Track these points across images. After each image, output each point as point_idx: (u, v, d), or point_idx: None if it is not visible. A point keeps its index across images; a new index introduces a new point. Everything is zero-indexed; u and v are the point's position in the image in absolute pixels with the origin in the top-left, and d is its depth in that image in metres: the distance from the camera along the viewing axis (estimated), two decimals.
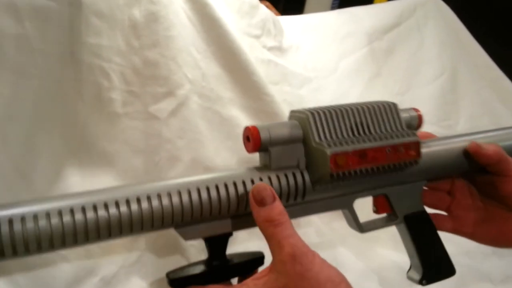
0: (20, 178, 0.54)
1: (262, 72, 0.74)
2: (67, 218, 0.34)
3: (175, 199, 0.37)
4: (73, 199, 0.35)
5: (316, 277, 0.34)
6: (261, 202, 0.37)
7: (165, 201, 0.37)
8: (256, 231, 0.38)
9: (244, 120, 0.71)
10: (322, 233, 0.72)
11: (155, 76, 0.62)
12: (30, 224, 0.33)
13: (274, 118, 0.73)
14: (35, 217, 0.33)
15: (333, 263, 0.59)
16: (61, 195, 0.36)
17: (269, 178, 0.41)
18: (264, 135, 0.40)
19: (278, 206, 0.37)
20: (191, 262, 0.43)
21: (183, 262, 0.58)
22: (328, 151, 0.40)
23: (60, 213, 0.34)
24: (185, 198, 0.38)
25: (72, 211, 0.34)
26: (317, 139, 0.41)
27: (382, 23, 1.00)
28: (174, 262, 0.58)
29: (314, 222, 0.72)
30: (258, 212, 0.37)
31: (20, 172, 0.54)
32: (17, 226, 0.33)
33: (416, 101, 0.96)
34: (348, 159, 0.41)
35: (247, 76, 0.72)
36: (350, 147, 0.41)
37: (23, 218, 0.33)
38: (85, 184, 0.58)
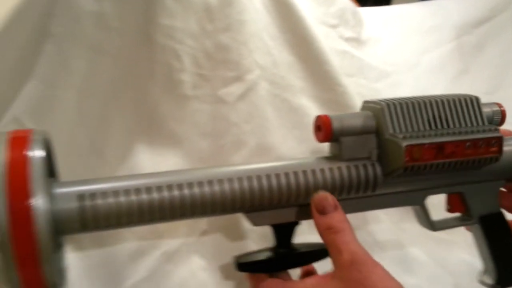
0: (95, 154, 0.56)
1: (337, 62, 0.72)
2: (144, 196, 0.35)
3: (246, 184, 0.38)
4: (148, 179, 0.36)
5: (375, 286, 0.33)
6: (322, 211, 0.38)
7: (236, 185, 0.37)
8: None
9: (313, 110, 0.69)
10: (391, 232, 0.68)
11: (226, 60, 0.62)
12: (111, 199, 0.34)
13: (345, 110, 0.70)
14: (116, 193, 0.35)
15: (403, 264, 0.56)
16: (137, 174, 0.38)
17: (339, 169, 0.40)
18: (336, 124, 0.40)
19: (339, 214, 0.38)
20: (255, 248, 0.44)
21: (243, 245, 0.58)
22: (403, 143, 0.38)
23: (138, 190, 0.35)
24: (255, 183, 0.38)
25: (149, 190, 0.35)
26: (391, 130, 0.39)
27: (472, 16, 0.93)
28: (234, 245, 0.58)
29: (383, 220, 0.69)
30: (319, 220, 0.38)
31: (94, 148, 0.56)
32: (100, 201, 0.34)
33: (506, 101, 0.88)
34: (424, 152, 0.39)
35: (319, 65, 0.70)
36: (426, 140, 0.39)
37: (104, 193, 0.34)
38: (153, 162, 0.59)
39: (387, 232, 0.67)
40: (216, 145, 0.61)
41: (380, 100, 0.41)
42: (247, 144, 0.62)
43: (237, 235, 0.60)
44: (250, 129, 0.63)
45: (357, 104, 0.68)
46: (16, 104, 0.50)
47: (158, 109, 0.60)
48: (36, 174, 0.31)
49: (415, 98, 0.41)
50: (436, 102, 0.41)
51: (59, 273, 0.35)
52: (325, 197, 0.38)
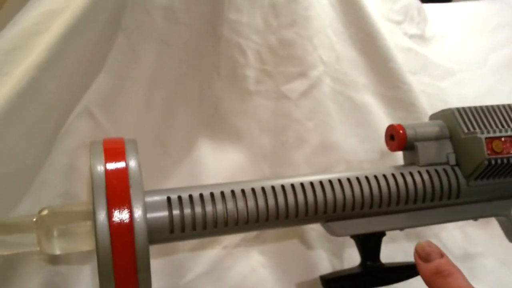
0: (160, 146, 0.56)
1: (401, 59, 0.69)
2: (230, 203, 0.36)
3: (328, 188, 0.37)
4: (230, 186, 0.37)
5: None
6: (427, 258, 0.36)
7: (319, 190, 0.37)
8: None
9: (377, 107, 0.67)
10: (455, 239, 0.65)
11: (290, 56, 0.61)
12: (198, 208, 0.35)
13: (410, 108, 0.68)
14: (202, 200, 0.35)
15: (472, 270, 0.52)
16: (218, 183, 0.38)
17: (419, 173, 0.39)
18: (410, 131, 0.40)
19: (445, 259, 0.36)
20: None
21: (301, 246, 0.57)
22: (482, 136, 0.38)
23: (223, 197, 0.36)
24: (337, 187, 0.37)
25: (233, 195, 0.36)
26: (465, 130, 0.40)
27: None
28: (292, 244, 0.57)
29: (446, 226, 0.66)
30: (425, 267, 0.36)
31: (159, 140, 0.56)
32: (189, 209, 0.35)
33: None
34: (505, 144, 0.39)
35: (384, 62, 0.68)
36: (505, 133, 0.39)
37: (192, 201, 0.35)
38: (215, 157, 0.59)
39: (452, 239, 0.64)
40: (277, 141, 0.61)
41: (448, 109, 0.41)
42: (309, 141, 0.61)
43: (295, 233, 0.59)
44: (312, 126, 0.62)
45: (422, 103, 0.68)
46: (87, 96, 0.51)
47: (221, 104, 0.59)
48: (135, 184, 0.32)
49: (484, 105, 0.42)
50: (507, 107, 0.42)
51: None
52: (428, 243, 0.37)
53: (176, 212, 0.34)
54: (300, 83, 0.62)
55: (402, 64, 0.69)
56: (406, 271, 0.40)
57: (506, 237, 0.44)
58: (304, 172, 0.60)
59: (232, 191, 0.35)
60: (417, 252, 0.37)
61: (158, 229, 0.34)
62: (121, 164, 0.33)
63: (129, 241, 0.30)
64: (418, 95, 0.68)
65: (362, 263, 0.40)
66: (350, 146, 0.63)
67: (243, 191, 0.36)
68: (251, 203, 0.35)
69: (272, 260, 0.56)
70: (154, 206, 0.34)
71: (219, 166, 0.58)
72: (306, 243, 0.57)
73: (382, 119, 0.66)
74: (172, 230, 0.34)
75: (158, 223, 0.34)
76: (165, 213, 0.34)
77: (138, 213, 0.31)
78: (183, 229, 0.34)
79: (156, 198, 0.34)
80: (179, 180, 0.56)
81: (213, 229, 0.35)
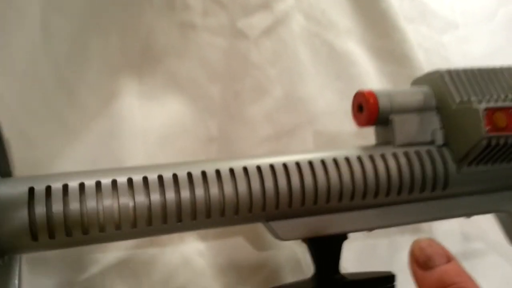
0: (64, 90, 0.43)
1: (395, 2, 0.56)
2: (124, 198, 0.27)
3: (269, 177, 0.29)
4: (132, 173, 0.28)
5: None
6: (427, 264, 0.27)
7: (255, 179, 0.29)
8: None
9: (363, 58, 0.53)
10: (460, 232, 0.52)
11: None
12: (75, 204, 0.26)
13: (403, 62, 0.55)
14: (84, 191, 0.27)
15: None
16: (116, 168, 0.29)
17: (395, 156, 0.32)
18: (383, 101, 0.32)
19: (454, 265, 0.27)
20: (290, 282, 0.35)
21: (252, 234, 0.44)
22: (480, 106, 0.30)
23: (115, 188, 0.27)
24: (281, 176, 0.29)
25: (131, 188, 0.27)
26: (458, 98, 0.32)
27: None
28: (242, 231, 0.43)
29: None
30: (423, 277, 0.27)
31: (64, 82, 0.42)
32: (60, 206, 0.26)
33: None
34: (510, 118, 0.30)
35: (374, 3, 0.54)
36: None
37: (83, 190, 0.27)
38: (144, 110, 0.45)
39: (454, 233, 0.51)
40: (229, 91, 0.47)
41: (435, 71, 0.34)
42: (271, 93, 0.48)
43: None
44: (275, 74, 0.48)
45: (419, 58, 0.55)
46: None
47: (154, 39, 0.45)
48: None
49: (483, 67, 0.34)
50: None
51: None
52: (430, 242, 0.28)
53: (40, 210, 0.26)
54: (262, 18, 0.48)
55: (397, 8, 0.56)
56: (378, 285, 0.32)
57: (507, 237, 0.37)
58: (263, 132, 0.47)
59: (130, 180, 0.27)
60: (414, 254, 0.28)
61: (11, 235, 0.26)
62: None
63: None
64: (413, 48, 0.56)
65: (316, 275, 0.32)
66: (326, 103, 0.50)
67: (130, 181, 0.27)
68: (141, 199, 0.27)
69: (213, 248, 0.42)
70: (7, 202, 0.26)
71: (150, 123, 0.45)
72: (258, 231, 0.43)
73: (370, 74, 0.53)
74: (35, 237, 0.26)
75: (10, 227, 0.25)
76: (22, 212, 0.25)
77: None
78: (52, 234, 0.26)
79: (10, 190, 0.26)
80: (95, 142, 0.43)
81: (100, 234, 0.27)
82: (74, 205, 0.26)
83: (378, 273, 0.33)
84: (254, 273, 0.43)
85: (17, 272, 0.31)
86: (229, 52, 0.47)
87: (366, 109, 0.32)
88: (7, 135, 0.28)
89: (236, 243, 0.43)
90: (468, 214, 0.35)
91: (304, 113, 0.48)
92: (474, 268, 0.48)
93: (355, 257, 0.46)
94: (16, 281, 0.30)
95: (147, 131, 0.44)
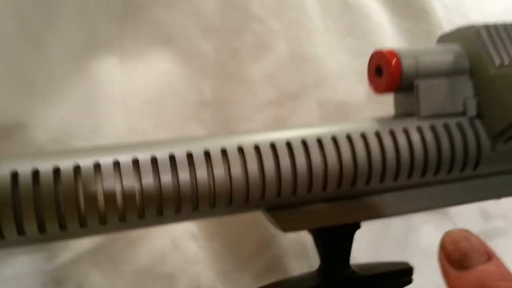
0: (30, 44, 0.37)
1: None
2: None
3: (268, 157, 0.24)
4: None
5: None
6: (461, 263, 0.22)
7: (253, 160, 0.24)
8: None
9: (378, 12, 0.47)
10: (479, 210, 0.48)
11: None
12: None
13: (421, 17, 0.49)
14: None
15: None
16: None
17: (419, 130, 0.27)
18: (408, 62, 0.27)
19: (496, 265, 0.22)
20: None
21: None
22: None
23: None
24: (284, 156, 0.25)
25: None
26: (497, 61, 0.27)
27: None
28: None
29: None
30: (457, 278, 0.22)
31: (30, 34, 0.36)
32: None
33: None
34: None
35: None
36: None
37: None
38: (126, 70, 0.39)
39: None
40: (226, 47, 0.41)
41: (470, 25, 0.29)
42: (273, 50, 0.41)
43: None
44: (280, 29, 0.42)
45: (438, 13, 0.49)
46: None
47: None
48: None
49: None
50: None
51: None
52: (465, 236, 0.23)
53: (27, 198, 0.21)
54: None
55: None
56: (388, 280, 0.28)
57: None
58: (263, 96, 0.41)
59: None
60: (445, 249, 0.23)
61: None
62: None
63: None
64: (432, 1, 0.49)
65: (323, 269, 0.28)
66: (336, 62, 0.44)
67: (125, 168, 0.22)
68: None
69: (207, 230, 0.37)
70: None
71: (133, 84, 0.39)
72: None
73: (385, 30, 0.47)
74: (21, 230, 0.21)
75: None
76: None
77: None
78: (42, 227, 0.22)
79: None
80: (67, 106, 0.37)
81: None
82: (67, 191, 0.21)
83: (394, 264, 0.30)
84: (253, 258, 0.38)
85: None
86: (226, 2, 0.41)
87: (387, 72, 0.27)
88: None
89: (233, 224, 0.37)
90: (499, 196, 0.30)
91: (311, 75, 0.42)
92: (495, 248, 0.45)
93: (366, 237, 0.41)
94: None
95: (129, 94, 0.38)
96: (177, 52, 0.40)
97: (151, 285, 0.35)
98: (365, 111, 0.43)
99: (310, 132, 0.25)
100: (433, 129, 0.27)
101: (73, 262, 0.33)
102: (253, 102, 0.40)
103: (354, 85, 0.43)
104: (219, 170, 0.23)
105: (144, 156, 0.23)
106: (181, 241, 0.36)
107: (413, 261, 0.41)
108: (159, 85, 0.39)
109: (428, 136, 0.27)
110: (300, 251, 0.39)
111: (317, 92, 0.42)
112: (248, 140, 0.24)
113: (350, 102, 0.43)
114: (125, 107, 0.38)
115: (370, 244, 0.40)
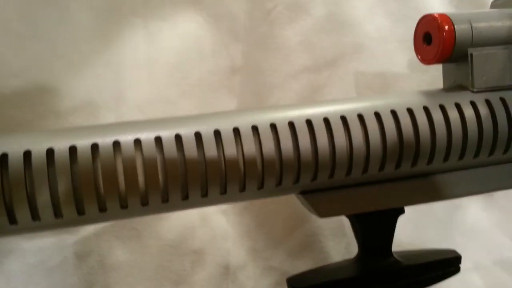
0: (51, 5, 0.35)
1: None
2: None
3: (303, 134, 0.22)
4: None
5: None
6: None
7: (286, 137, 0.22)
8: None
9: None
10: None
11: None
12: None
13: None
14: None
15: None
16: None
17: (474, 106, 0.24)
18: (462, 31, 0.24)
19: None
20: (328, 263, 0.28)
21: None
22: None
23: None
24: (321, 132, 0.22)
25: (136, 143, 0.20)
26: None
27: None
28: None
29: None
30: None
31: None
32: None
33: None
34: None
35: None
36: None
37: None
38: (151, 30, 0.37)
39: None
40: (258, 9, 0.38)
41: None
42: (310, 12, 0.38)
43: None
44: None
45: None
46: None
47: None
48: None
49: None
50: None
51: None
52: None
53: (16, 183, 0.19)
54: None
55: None
56: (434, 270, 0.26)
57: None
58: (298, 62, 0.38)
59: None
60: None
61: None
62: None
63: None
64: None
65: (361, 258, 0.26)
66: (376, 27, 0.40)
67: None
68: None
69: (238, 205, 0.34)
70: None
71: (158, 48, 0.37)
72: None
73: None
74: (12, 219, 0.19)
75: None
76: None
77: None
78: (35, 215, 0.20)
79: None
80: (89, 71, 0.36)
81: (98, 214, 0.20)
82: (62, 175, 0.19)
83: (440, 253, 0.28)
84: (286, 236, 0.36)
85: None
86: None
87: (438, 40, 0.24)
88: None
89: (265, 199, 0.35)
90: None
91: (349, 40, 0.39)
92: None
93: (408, 217, 0.39)
94: None
95: (153, 59, 0.36)
96: (205, 14, 0.37)
97: (179, 261, 0.33)
98: (407, 81, 0.40)
99: (350, 107, 0.23)
100: (488, 103, 0.25)
101: (96, 236, 0.31)
102: (287, 69, 0.38)
103: (395, 53, 0.40)
104: (249, 148, 0.21)
105: (166, 133, 0.21)
106: (210, 216, 0.34)
107: (457, 241, 0.39)
108: (186, 50, 0.37)
109: (483, 111, 0.24)
110: (336, 228, 0.36)
111: (355, 59, 0.39)
112: (281, 116, 0.22)
113: (390, 71, 0.40)
114: (149, 73, 0.36)
115: (413, 223, 0.38)
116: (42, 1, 0.34)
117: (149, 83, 0.36)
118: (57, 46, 0.35)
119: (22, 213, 0.19)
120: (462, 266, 0.39)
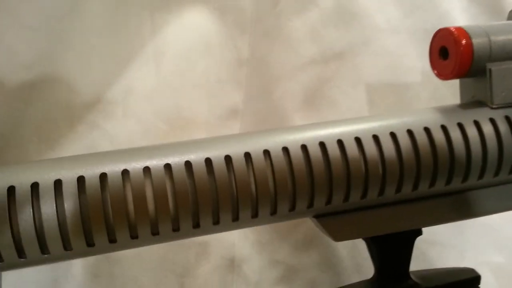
0: None
1: None
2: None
3: (317, 155, 0.22)
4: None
5: None
6: None
7: (299, 158, 0.21)
8: None
9: None
10: None
11: None
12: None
13: None
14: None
15: None
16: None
17: (493, 123, 0.23)
18: (480, 45, 0.23)
19: None
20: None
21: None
22: None
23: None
24: (334, 157, 0.22)
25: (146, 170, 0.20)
26: None
27: None
28: None
29: None
30: None
31: None
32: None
33: None
34: None
35: None
36: None
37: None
38: (157, 22, 0.37)
39: None
40: (266, 0, 0.37)
41: None
42: (317, 3, 0.38)
43: None
44: None
45: None
46: None
47: None
48: None
49: None
50: None
51: None
52: None
53: (26, 217, 0.19)
54: None
55: None
56: None
57: None
58: (306, 53, 0.38)
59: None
60: None
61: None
62: None
63: None
64: None
65: (379, 280, 0.25)
66: (385, 18, 0.39)
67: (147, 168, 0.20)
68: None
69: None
70: None
71: (165, 40, 0.37)
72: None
73: None
74: (21, 253, 0.19)
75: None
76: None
77: None
78: (44, 249, 0.19)
79: None
80: (96, 62, 0.36)
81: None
82: (71, 206, 0.19)
83: (459, 273, 0.27)
84: (291, 230, 0.35)
85: None
86: None
87: (455, 54, 0.23)
88: None
89: None
90: None
91: (356, 31, 0.38)
92: None
93: None
94: None
95: (160, 50, 0.36)
96: (211, 6, 0.37)
97: (184, 253, 0.33)
98: (417, 75, 0.39)
99: (364, 127, 0.22)
100: (508, 120, 0.24)
101: None
102: (294, 61, 0.37)
103: (406, 44, 0.39)
104: (260, 173, 0.21)
105: (176, 160, 0.21)
106: None
107: (468, 233, 0.38)
108: (193, 41, 0.37)
109: (503, 128, 0.24)
110: None
111: (364, 51, 0.39)
112: (294, 138, 0.22)
113: (400, 65, 0.40)
114: (156, 64, 0.36)
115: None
116: None
117: (157, 76, 0.37)
118: (68, 39, 0.35)
119: (31, 247, 0.19)
120: (474, 261, 0.38)
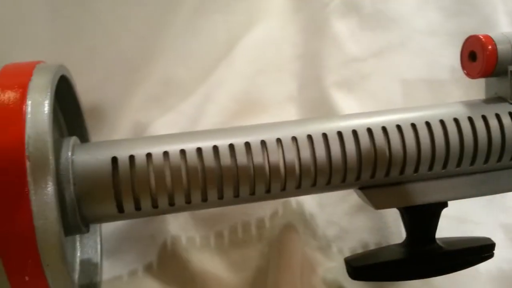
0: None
1: None
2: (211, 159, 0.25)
3: (367, 139, 0.26)
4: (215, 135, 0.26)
5: None
6: None
7: (351, 141, 0.26)
8: None
9: None
10: None
11: None
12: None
13: None
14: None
15: None
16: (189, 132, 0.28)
17: (511, 115, 0.28)
18: (503, 50, 0.28)
19: None
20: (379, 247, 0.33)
21: None
22: None
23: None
24: (381, 138, 0.26)
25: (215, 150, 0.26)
26: None
27: None
28: None
29: None
30: None
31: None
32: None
33: None
34: None
35: None
36: None
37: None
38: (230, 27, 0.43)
39: None
40: (318, 2, 0.44)
41: None
42: (358, 9, 0.44)
43: None
44: None
45: None
46: None
47: None
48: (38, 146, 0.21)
49: None
50: None
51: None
52: None
53: (125, 181, 0.24)
54: None
55: None
56: (471, 254, 0.30)
57: None
58: (348, 52, 0.43)
59: (215, 147, 0.25)
60: None
61: (97, 206, 0.24)
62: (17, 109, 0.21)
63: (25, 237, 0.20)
64: None
65: (409, 243, 0.30)
66: (426, 21, 0.44)
67: (215, 148, 0.25)
68: (211, 164, 0.25)
69: None
70: (91, 173, 0.24)
71: (237, 38, 0.43)
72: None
73: None
74: (120, 208, 0.25)
75: (96, 198, 0.24)
76: (107, 183, 0.24)
77: (47, 191, 0.21)
78: (138, 206, 0.25)
79: (93, 159, 0.24)
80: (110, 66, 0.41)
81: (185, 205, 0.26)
82: (157, 174, 0.24)
83: (477, 240, 0.31)
84: (346, 195, 0.39)
85: (99, 239, 0.32)
86: None
87: (482, 58, 0.28)
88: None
89: None
90: None
91: (395, 34, 0.43)
92: None
93: None
94: (99, 247, 0.32)
95: (233, 46, 0.43)
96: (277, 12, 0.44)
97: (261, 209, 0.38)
98: (453, 75, 0.42)
99: (404, 116, 0.27)
100: None
101: None
102: (339, 57, 0.43)
103: (444, 46, 0.43)
104: (320, 152, 0.26)
105: (253, 138, 0.26)
106: None
107: (499, 218, 0.40)
108: (261, 38, 0.44)
109: None
110: None
111: (402, 51, 0.43)
112: (346, 124, 0.27)
113: (436, 64, 0.43)
114: (232, 58, 0.43)
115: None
116: None
117: (231, 66, 0.43)
118: (78, 30, 0.39)
119: (128, 204, 0.24)
120: (504, 244, 0.39)
